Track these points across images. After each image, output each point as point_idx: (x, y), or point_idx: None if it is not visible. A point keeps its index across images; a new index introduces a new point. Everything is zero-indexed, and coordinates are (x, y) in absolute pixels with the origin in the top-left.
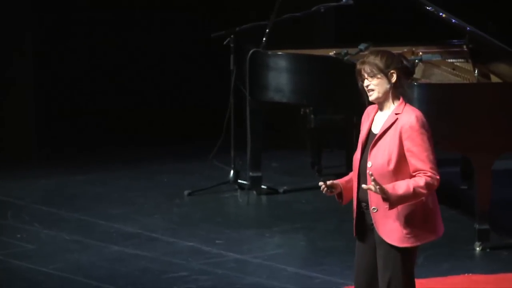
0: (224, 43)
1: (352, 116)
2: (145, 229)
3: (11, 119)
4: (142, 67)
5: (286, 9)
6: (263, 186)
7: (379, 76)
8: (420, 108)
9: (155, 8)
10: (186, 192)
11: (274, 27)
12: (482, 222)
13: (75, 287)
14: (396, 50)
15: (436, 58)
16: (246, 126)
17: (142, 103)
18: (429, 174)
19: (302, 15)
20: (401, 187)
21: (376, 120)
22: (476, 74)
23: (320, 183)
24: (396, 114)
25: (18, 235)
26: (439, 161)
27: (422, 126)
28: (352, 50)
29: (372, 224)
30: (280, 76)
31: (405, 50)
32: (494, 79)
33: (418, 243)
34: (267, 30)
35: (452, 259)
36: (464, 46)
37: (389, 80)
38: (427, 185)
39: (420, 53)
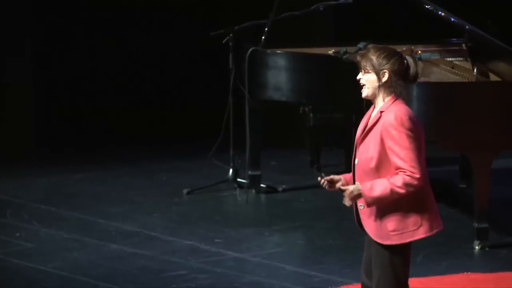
0: (223, 41)
1: (351, 115)
2: (144, 227)
3: (11, 118)
4: (141, 67)
5: (285, 7)
6: (262, 185)
7: (370, 72)
8: (419, 107)
9: (154, 8)
10: (185, 191)
11: (273, 26)
12: (481, 220)
13: (74, 286)
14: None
15: (435, 56)
16: (245, 125)
17: (141, 102)
18: (408, 173)
19: (301, 14)
20: (378, 187)
21: (371, 117)
22: (475, 73)
23: (319, 179)
24: (381, 112)
25: (17, 234)
26: (438, 160)
27: (401, 124)
28: (351, 49)
29: None
30: (279, 74)
31: (404, 48)
32: (493, 77)
33: (404, 241)
34: (266, 29)
35: (451, 257)
36: (463, 45)
37: (379, 78)
38: (405, 184)
39: (419, 52)
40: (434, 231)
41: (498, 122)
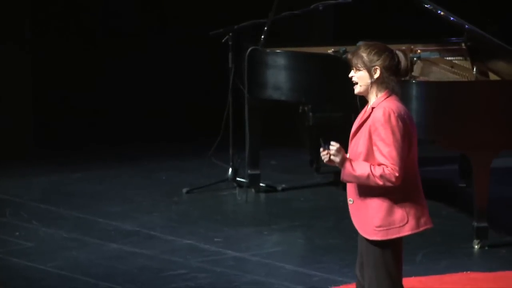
0: (223, 41)
1: (351, 114)
2: (143, 227)
3: (9, 116)
4: (141, 66)
5: (284, 7)
6: (261, 184)
7: (362, 69)
8: (418, 106)
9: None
10: (184, 190)
11: (273, 25)
12: (480, 220)
13: (73, 285)
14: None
15: (435, 56)
16: (244, 124)
17: (140, 101)
18: (389, 168)
19: (300, 13)
20: (359, 168)
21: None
22: (474, 72)
23: (321, 149)
24: (372, 108)
25: (17, 233)
26: (438, 159)
27: (388, 120)
28: (350, 48)
29: None
30: (278, 74)
31: (404, 47)
32: (493, 77)
33: (390, 237)
34: (265, 28)
35: (450, 257)
36: (463, 44)
37: (371, 75)
38: (383, 177)
39: (419, 51)
40: (421, 229)
41: (498, 122)
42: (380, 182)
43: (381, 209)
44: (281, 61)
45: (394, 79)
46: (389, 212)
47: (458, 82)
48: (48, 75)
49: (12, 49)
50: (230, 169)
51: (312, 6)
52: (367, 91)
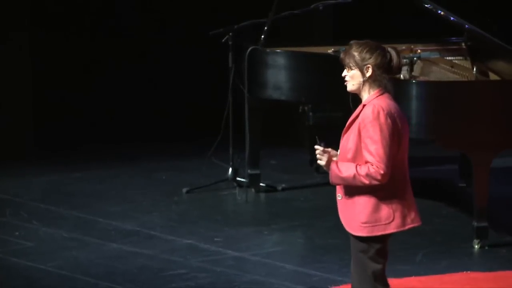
0: (223, 40)
1: (350, 114)
2: (143, 226)
3: (9, 116)
4: (141, 65)
5: (284, 6)
6: (261, 184)
7: (354, 68)
8: (418, 106)
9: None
10: (184, 190)
11: (273, 25)
12: (480, 219)
13: (73, 285)
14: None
15: (435, 55)
16: (244, 124)
17: (140, 101)
18: (374, 166)
19: (300, 13)
20: (345, 169)
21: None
22: (474, 72)
23: (317, 146)
24: (364, 105)
25: (17, 233)
26: (438, 159)
27: (376, 118)
28: None
29: None
30: (278, 73)
31: (404, 47)
32: (493, 76)
33: (375, 234)
34: (265, 28)
35: (451, 256)
36: (463, 44)
37: (363, 74)
38: (368, 176)
39: (419, 51)
40: (407, 227)
41: (498, 121)
42: (367, 181)
43: (368, 205)
44: (281, 61)
45: (387, 77)
46: (376, 209)
47: (458, 82)
48: (48, 75)
49: (12, 49)
50: (230, 169)
51: (312, 6)
52: (359, 89)
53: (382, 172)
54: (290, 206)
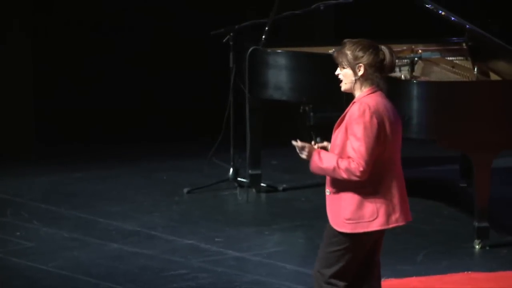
0: (224, 40)
1: None
2: (144, 226)
3: (10, 116)
4: (141, 65)
5: (285, 6)
6: (262, 184)
7: (346, 67)
8: (419, 106)
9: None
10: (185, 190)
11: (274, 25)
12: (481, 220)
13: (74, 285)
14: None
15: (436, 56)
16: (245, 124)
17: (141, 101)
18: (355, 163)
19: (302, 13)
20: (325, 160)
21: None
22: (475, 72)
23: (313, 142)
24: (353, 102)
25: (18, 233)
26: (439, 159)
27: (362, 115)
28: None
29: None
30: (279, 74)
31: (405, 47)
32: (494, 77)
33: (358, 231)
34: (266, 28)
35: (451, 257)
36: (464, 44)
37: (355, 72)
38: (348, 171)
39: (420, 51)
40: (391, 225)
41: (499, 121)
42: (345, 176)
43: (352, 202)
44: (282, 61)
45: (379, 76)
46: (360, 206)
47: (459, 82)
48: (50, 75)
49: (13, 49)
50: (231, 169)
51: (313, 6)
52: (351, 88)
53: (361, 169)
54: (291, 206)
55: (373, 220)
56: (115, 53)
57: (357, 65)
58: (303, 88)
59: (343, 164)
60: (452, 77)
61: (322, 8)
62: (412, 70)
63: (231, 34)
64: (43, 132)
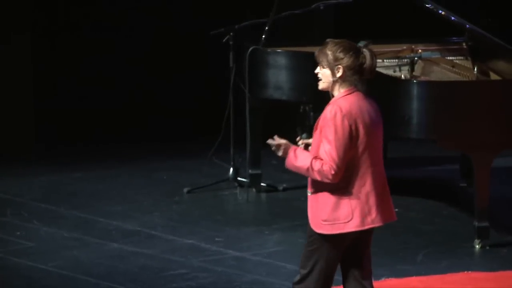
0: (224, 40)
1: None
2: (144, 226)
3: (10, 116)
4: (141, 65)
5: (285, 6)
6: (262, 184)
7: (325, 67)
8: (419, 105)
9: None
10: (185, 190)
11: (274, 25)
12: (481, 219)
13: (74, 285)
14: (395, 47)
15: (436, 55)
16: (245, 124)
17: (141, 100)
18: (328, 165)
19: (301, 13)
20: (300, 159)
21: None
22: (475, 72)
23: (298, 138)
24: (329, 104)
25: (17, 233)
26: (439, 159)
27: (333, 118)
28: None
29: None
30: (279, 73)
31: (405, 47)
32: (494, 76)
33: (334, 232)
34: (266, 28)
35: (451, 256)
36: (464, 44)
37: (333, 74)
38: (320, 173)
39: (420, 51)
40: (367, 227)
41: (499, 121)
42: (318, 177)
43: (328, 203)
44: (282, 60)
45: (357, 78)
46: (335, 208)
47: (459, 82)
48: (50, 75)
49: (13, 49)
50: (231, 169)
51: (313, 6)
52: (329, 88)
53: (333, 172)
54: (291, 206)
55: (348, 221)
56: (115, 53)
57: (336, 67)
58: (303, 88)
59: (317, 165)
60: (452, 76)
61: (322, 8)
62: (412, 69)
63: (231, 34)
64: (43, 132)
